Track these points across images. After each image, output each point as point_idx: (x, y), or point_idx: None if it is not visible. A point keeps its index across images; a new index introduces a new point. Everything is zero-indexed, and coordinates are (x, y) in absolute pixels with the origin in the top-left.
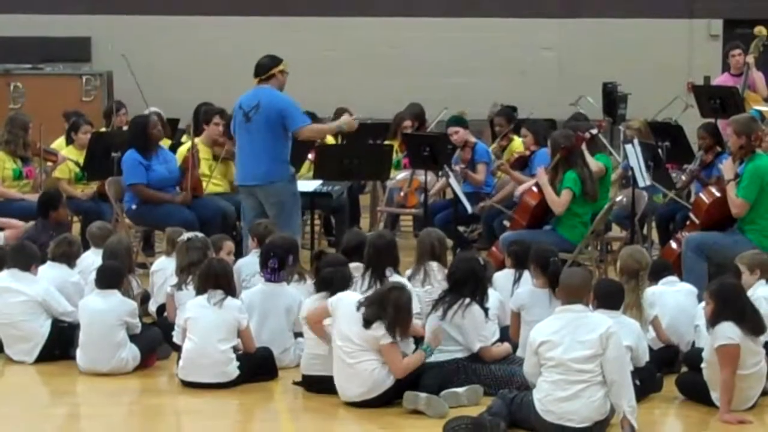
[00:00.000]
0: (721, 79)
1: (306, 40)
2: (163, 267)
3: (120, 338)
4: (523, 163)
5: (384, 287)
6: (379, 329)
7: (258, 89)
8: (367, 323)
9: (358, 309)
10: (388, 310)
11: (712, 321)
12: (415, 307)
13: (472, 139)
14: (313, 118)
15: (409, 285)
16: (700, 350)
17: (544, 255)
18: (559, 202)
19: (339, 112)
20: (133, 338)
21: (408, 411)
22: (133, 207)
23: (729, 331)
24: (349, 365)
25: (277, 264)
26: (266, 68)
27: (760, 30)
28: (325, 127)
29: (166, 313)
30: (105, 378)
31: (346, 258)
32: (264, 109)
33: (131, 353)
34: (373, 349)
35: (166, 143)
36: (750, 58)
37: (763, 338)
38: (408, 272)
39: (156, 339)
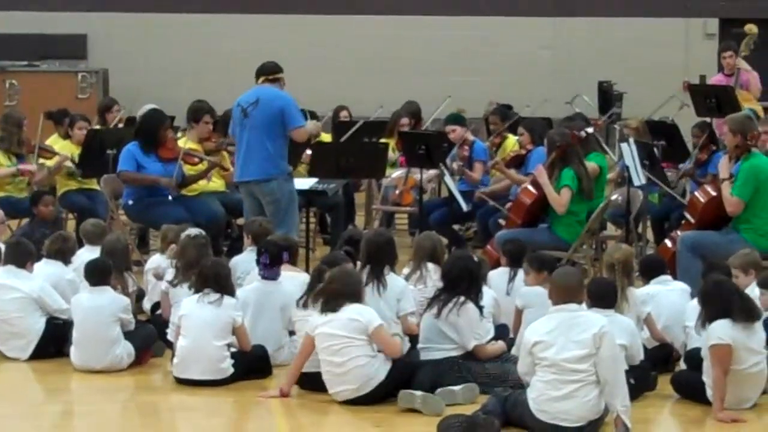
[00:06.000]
0: (715, 79)
1: (304, 37)
2: (158, 265)
3: (114, 335)
4: (519, 162)
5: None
6: (366, 314)
7: (259, 87)
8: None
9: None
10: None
11: (703, 321)
12: (410, 305)
13: (470, 137)
14: (313, 117)
15: (404, 283)
16: (700, 349)
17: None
18: (559, 200)
19: (338, 111)
20: (127, 335)
21: (403, 409)
22: (130, 202)
23: (719, 331)
24: (338, 365)
25: (269, 260)
26: (271, 70)
27: (750, 28)
28: (309, 128)
29: (160, 311)
30: (99, 375)
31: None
32: (263, 105)
33: (126, 350)
34: (362, 340)
35: None
36: (741, 61)
37: (763, 340)
38: (405, 271)
39: (150, 336)
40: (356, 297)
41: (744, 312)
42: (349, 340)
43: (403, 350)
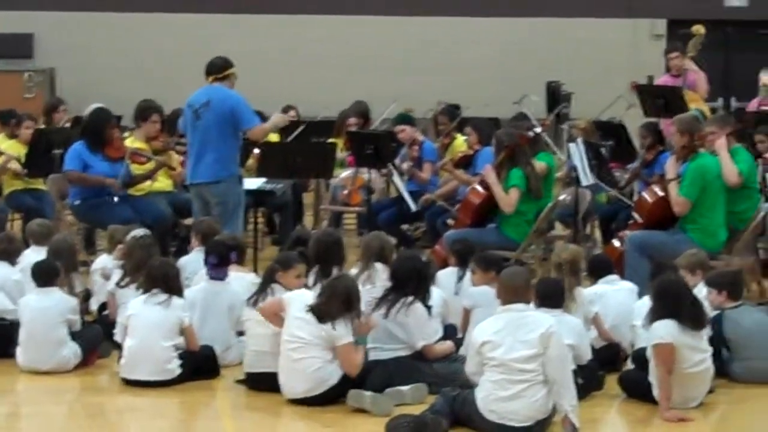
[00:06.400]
0: (662, 80)
1: (253, 37)
2: (105, 265)
3: (62, 336)
4: (467, 162)
5: (332, 278)
6: (340, 327)
7: (209, 87)
8: (321, 318)
9: (308, 311)
10: (345, 301)
11: (650, 319)
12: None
13: (420, 137)
14: (261, 116)
15: None
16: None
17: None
18: (508, 200)
19: (286, 110)
20: (74, 336)
21: (352, 409)
22: (76, 202)
23: (662, 330)
24: (294, 361)
25: (217, 260)
26: (220, 68)
27: (698, 29)
28: (267, 126)
29: (107, 311)
30: (45, 376)
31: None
32: (215, 107)
33: (72, 351)
34: (325, 347)
35: None
36: (688, 61)
37: (707, 336)
38: (353, 271)
39: (97, 337)
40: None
41: (691, 319)
42: (311, 342)
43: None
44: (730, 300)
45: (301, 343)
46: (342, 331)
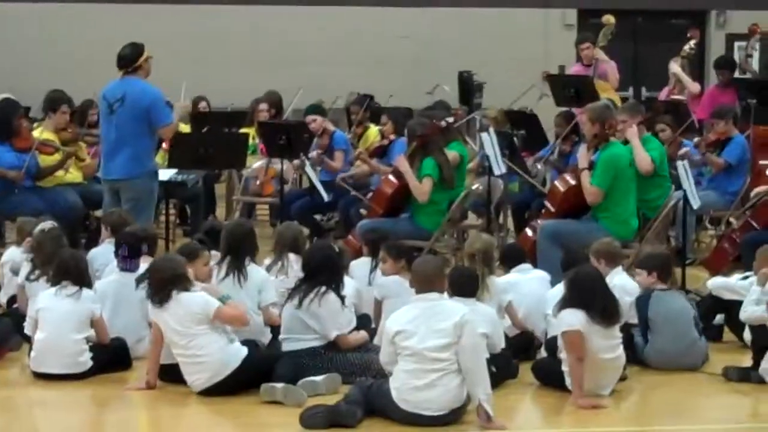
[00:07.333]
0: (573, 70)
1: (163, 26)
2: (13, 258)
3: None
4: (382, 152)
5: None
6: (199, 302)
7: (124, 80)
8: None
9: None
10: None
11: (560, 307)
12: (272, 296)
13: (331, 127)
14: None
15: (265, 274)
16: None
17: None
18: (422, 189)
19: (196, 102)
20: None
21: (265, 401)
22: None
23: (570, 318)
24: (190, 356)
25: (127, 252)
26: (131, 60)
27: (608, 19)
28: (174, 123)
29: (16, 304)
30: None
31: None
32: (130, 104)
33: None
34: (206, 327)
35: None
36: (599, 51)
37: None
38: (266, 262)
39: (6, 330)
40: (181, 282)
41: (601, 312)
42: (195, 332)
43: (264, 341)
44: (660, 282)
45: (187, 339)
46: (202, 304)
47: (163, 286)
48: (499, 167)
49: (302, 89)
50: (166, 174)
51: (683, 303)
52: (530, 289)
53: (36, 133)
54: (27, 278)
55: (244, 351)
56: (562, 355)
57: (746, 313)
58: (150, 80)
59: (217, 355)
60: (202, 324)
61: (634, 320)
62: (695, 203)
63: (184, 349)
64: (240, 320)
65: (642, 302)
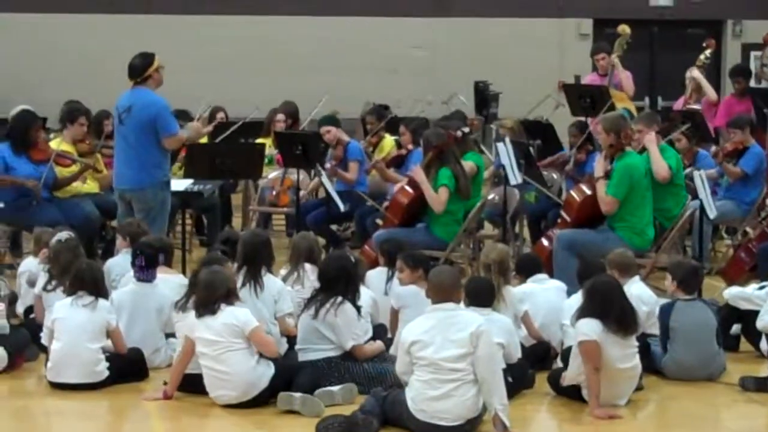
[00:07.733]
0: (589, 79)
1: (177, 38)
2: (30, 269)
3: None
4: (399, 162)
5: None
6: (242, 317)
7: (133, 91)
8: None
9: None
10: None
11: (577, 317)
12: (288, 306)
13: (345, 138)
14: (186, 116)
15: (281, 284)
16: None
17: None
18: (438, 199)
19: (214, 112)
20: (0, 340)
21: (283, 411)
22: (1, 205)
23: (586, 328)
24: (220, 371)
25: (144, 262)
26: (140, 70)
27: (623, 28)
28: (182, 136)
29: (33, 315)
30: None
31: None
32: (136, 114)
33: None
34: (241, 343)
35: None
36: (615, 58)
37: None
38: (282, 272)
39: (24, 340)
40: (230, 296)
41: (618, 322)
42: (228, 345)
43: (280, 351)
44: (681, 291)
45: (220, 350)
46: (244, 319)
47: (215, 300)
48: (515, 177)
49: (325, 97)
50: (182, 184)
51: (707, 315)
52: (546, 299)
53: (53, 145)
54: (44, 288)
55: (270, 371)
56: (575, 364)
57: (763, 322)
58: (168, 91)
59: (245, 376)
60: (237, 338)
61: (650, 330)
62: (711, 213)
63: (213, 362)
64: (271, 350)
65: (664, 311)
